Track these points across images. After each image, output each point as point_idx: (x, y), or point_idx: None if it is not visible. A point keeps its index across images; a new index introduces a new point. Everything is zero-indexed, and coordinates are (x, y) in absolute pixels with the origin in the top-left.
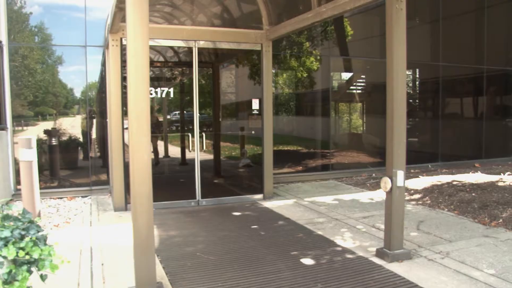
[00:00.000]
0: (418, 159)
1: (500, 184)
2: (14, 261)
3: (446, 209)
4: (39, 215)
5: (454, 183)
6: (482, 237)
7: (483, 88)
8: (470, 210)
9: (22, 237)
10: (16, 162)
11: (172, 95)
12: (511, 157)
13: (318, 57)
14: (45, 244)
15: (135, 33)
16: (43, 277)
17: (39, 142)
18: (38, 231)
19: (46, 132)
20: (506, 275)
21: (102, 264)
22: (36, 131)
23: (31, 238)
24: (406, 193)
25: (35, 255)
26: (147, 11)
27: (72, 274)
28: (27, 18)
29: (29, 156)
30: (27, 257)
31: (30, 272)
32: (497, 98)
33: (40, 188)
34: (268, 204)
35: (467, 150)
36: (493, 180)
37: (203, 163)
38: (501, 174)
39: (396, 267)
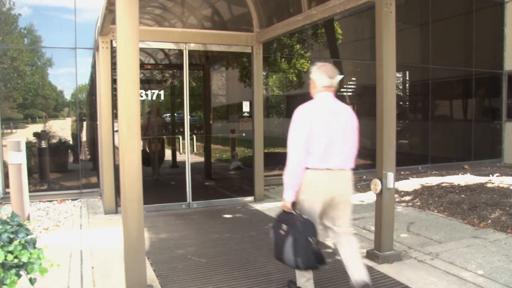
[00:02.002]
0: (408, 161)
1: (489, 185)
2: (2, 265)
3: (436, 211)
4: (28, 219)
5: (444, 184)
6: (471, 238)
7: (472, 91)
8: (460, 211)
9: (10, 241)
10: (5, 165)
11: (162, 98)
12: (499, 159)
13: (309, 60)
14: (34, 248)
15: (125, 35)
16: (32, 281)
17: (29, 144)
18: (27, 235)
19: (35, 134)
20: (495, 276)
21: (92, 267)
22: (26, 133)
23: (20, 242)
24: (396, 195)
25: (24, 259)
26: (137, 13)
27: (62, 277)
28: (16, 19)
29: (18, 159)
30: (16, 260)
31: (19, 275)
32: (486, 100)
33: (30, 191)
34: (259, 206)
35: (457, 152)
36: (482, 182)
37: (194, 166)
38: (490, 175)
39: (387, 269)
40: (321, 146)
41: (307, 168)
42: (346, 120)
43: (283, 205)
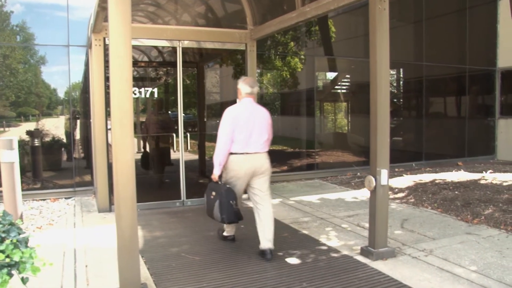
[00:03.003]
0: (402, 158)
1: (482, 182)
2: None
3: (430, 207)
4: (21, 217)
5: (438, 181)
6: (464, 235)
7: (465, 88)
8: (453, 208)
9: (2, 240)
10: None
11: (156, 95)
12: (493, 156)
13: (303, 57)
14: (27, 247)
15: (117, 33)
16: (24, 280)
17: (21, 143)
18: (19, 234)
19: (28, 133)
20: (487, 271)
21: (86, 266)
22: (19, 132)
23: (11, 241)
24: (390, 192)
25: (16, 258)
26: (129, 10)
27: (55, 276)
28: (8, 17)
29: (11, 158)
30: (8, 260)
31: (10, 275)
32: (479, 97)
33: (23, 190)
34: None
35: (450, 149)
36: (475, 178)
37: (188, 164)
38: (483, 172)
39: (381, 265)
40: (242, 136)
41: (233, 153)
42: (262, 118)
43: (213, 177)
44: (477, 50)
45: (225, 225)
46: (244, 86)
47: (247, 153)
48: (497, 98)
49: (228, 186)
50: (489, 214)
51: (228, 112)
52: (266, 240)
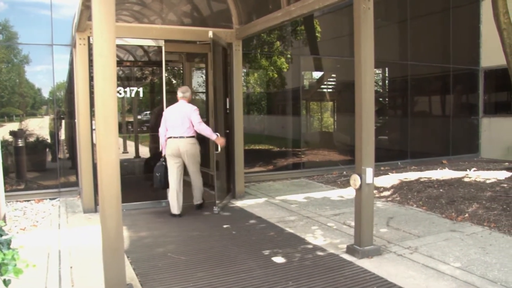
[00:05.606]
0: (387, 156)
1: (466, 180)
2: None
3: (415, 205)
4: (4, 219)
5: (423, 179)
6: (449, 232)
7: (449, 87)
8: (438, 205)
9: None
10: None
11: (141, 95)
12: (477, 154)
13: (289, 56)
14: (9, 248)
15: (101, 32)
16: (6, 282)
17: (5, 143)
18: (2, 235)
19: (12, 133)
20: (471, 268)
21: (71, 267)
22: (2, 132)
23: None
24: (376, 190)
25: None
26: (113, 9)
27: (40, 278)
28: None
29: None
30: None
31: None
32: (463, 96)
33: (6, 191)
34: (239, 203)
35: (435, 147)
36: (459, 176)
37: None
38: (467, 170)
39: (366, 263)
40: (171, 126)
41: (168, 138)
42: (184, 113)
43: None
44: (460, 50)
45: (171, 204)
46: (178, 93)
47: (174, 137)
48: (481, 97)
49: (161, 162)
50: (473, 212)
51: (165, 110)
52: (196, 200)
